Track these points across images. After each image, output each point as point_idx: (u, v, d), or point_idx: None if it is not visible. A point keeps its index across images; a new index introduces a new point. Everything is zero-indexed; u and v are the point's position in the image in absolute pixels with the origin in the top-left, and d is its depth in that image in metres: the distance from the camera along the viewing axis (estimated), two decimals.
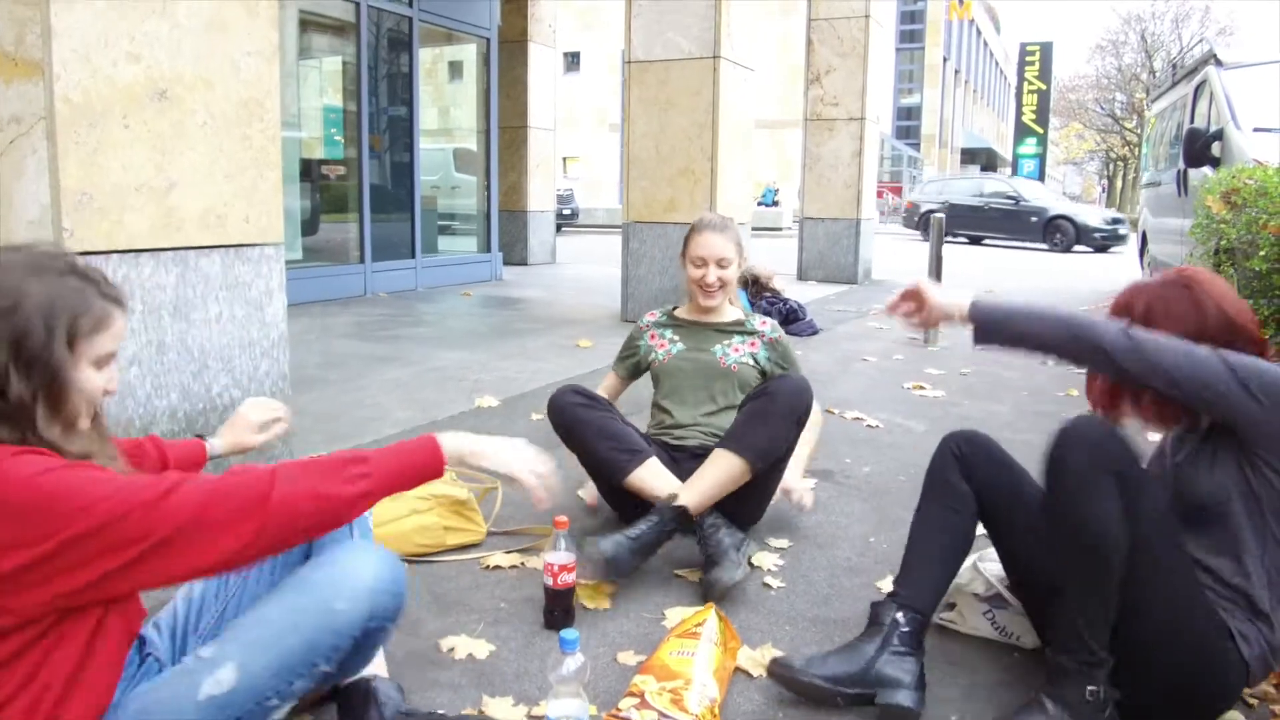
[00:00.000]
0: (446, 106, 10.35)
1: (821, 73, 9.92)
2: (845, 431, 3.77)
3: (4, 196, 2.40)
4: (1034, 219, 18.17)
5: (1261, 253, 3.45)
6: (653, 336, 2.79)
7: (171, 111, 2.52)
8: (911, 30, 37.15)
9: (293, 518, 1.22)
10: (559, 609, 1.95)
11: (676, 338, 2.75)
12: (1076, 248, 17.68)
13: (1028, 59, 34.20)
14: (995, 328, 1.68)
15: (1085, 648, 1.55)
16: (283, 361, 2.96)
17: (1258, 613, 1.56)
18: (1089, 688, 1.54)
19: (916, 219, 20.46)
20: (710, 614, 1.80)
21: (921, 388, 4.68)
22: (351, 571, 1.34)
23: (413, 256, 8.31)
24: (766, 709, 1.72)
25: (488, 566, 2.33)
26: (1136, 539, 1.53)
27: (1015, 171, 35.12)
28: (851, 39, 9.75)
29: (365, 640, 1.38)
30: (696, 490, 2.23)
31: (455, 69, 9.22)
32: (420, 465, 1.36)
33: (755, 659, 1.87)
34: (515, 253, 10.98)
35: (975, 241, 19.27)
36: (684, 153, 6.20)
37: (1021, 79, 33.99)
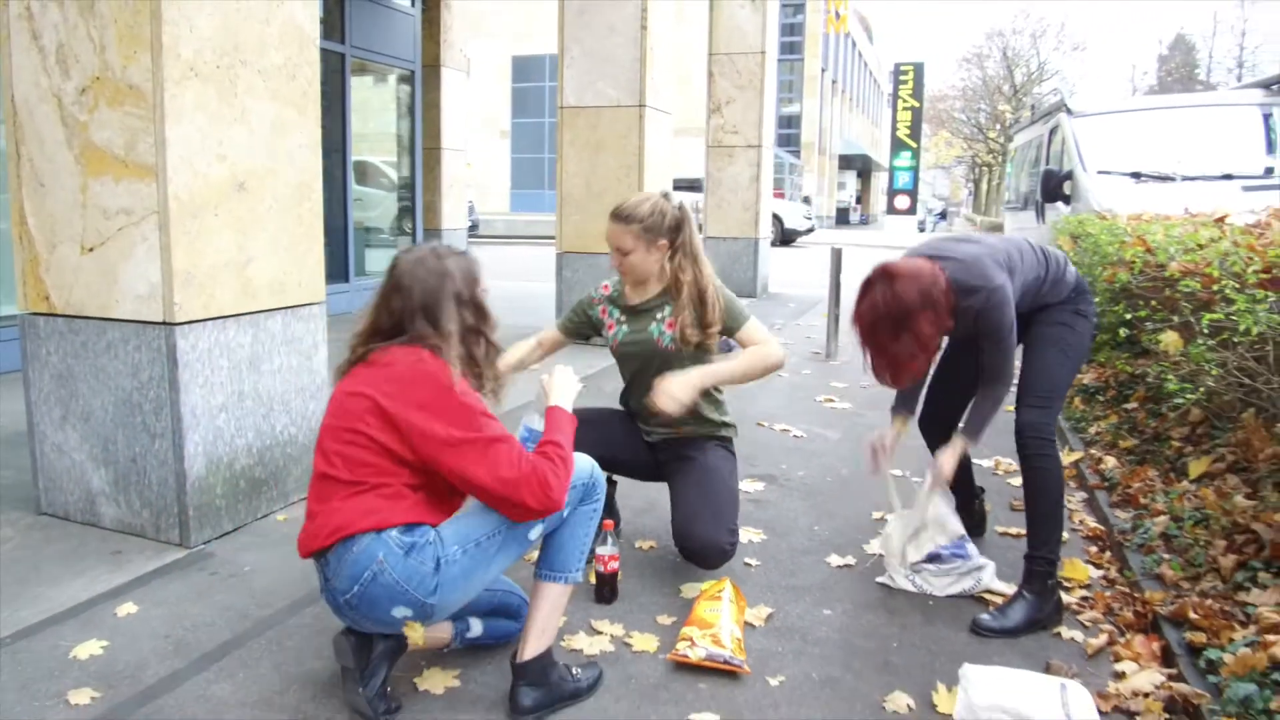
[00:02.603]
0: (375, 133, 10.72)
1: (722, 103, 10.75)
2: (778, 442, 4.53)
3: (110, 273, 2.90)
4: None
5: (1096, 298, 4.35)
6: (604, 311, 2.94)
7: (248, 200, 3.05)
8: (791, 42, 38.78)
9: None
10: (607, 589, 2.62)
11: (623, 319, 2.90)
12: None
13: (902, 78, 36.41)
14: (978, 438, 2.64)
15: (1049, 557, 2.55)
16: (324, 401, 3.50)
17: None
18: (1049, 581, 2.55)
19: None
20: (726, 584, 2.51)
21: (831, 400, 5.50)
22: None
23: (347, 280, 8.72)
24: (768, 642, 2.44)
25: None
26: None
27: (892, 182, 37.25)
28: (749, 72, 10.62)
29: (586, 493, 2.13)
30: None
31: (382, 98, 9.64)
32: (572, 430, 2.11)
33: (754, 615, 2.59)
34: None
35: None
36: (614, 190, 6.88)
37: (896, 97, 36.15)
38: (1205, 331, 2.73)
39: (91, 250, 2.91)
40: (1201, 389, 3.01)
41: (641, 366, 2.88)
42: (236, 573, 2.80)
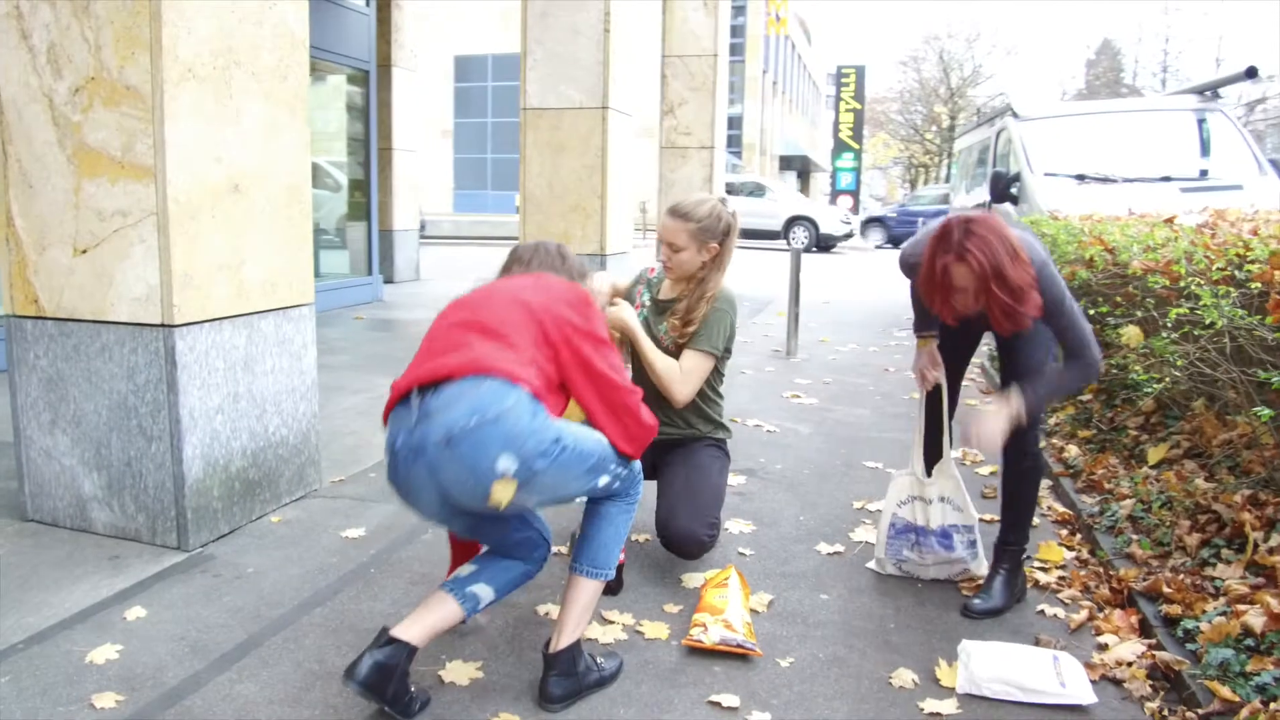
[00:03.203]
0: (327, 133, 10.61)
1: (675, 105, 10.88)
2: (753, 436, 4.64)
3: (105, 276, 2.88)
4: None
5: None
6: (639, 291, 3.08)
7: (242, 201, 3.05)
8: (733, 44, 39.19)
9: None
10: (614, 580, 2.69)
11: (647, 308, 3.01)
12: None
13: (843, 81, 37.08)
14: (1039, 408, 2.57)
15: (1019, 538, 2.70)
16: (314, 401, 3.52)
17: None
18: (1020, 558, 2.70)
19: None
20: (731, 571, 2.61)
21: (798, 396, 5.64)
22: None
23: None
24: (773, 626, 2.54)
25: None
26: None
27: (835, 183, 37.89)
28: (702, 75, 10.76)
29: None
30: None
31: (335, 98, 9.54)
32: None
33: (756, 601, 2.69)
34: (384, 270, 11.33)
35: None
36: (576, 192, 6.93)
37: (839, 99, 36.80)
38: (1169, 326, 2.91)
39: (85, 252, 2.89)
40: (1166, 379, 3.19)
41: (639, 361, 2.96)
42: (240, 574, 2.80)
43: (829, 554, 3.12)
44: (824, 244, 21.56)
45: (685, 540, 2.76)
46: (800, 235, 21.37)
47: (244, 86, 3.01)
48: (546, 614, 2.61)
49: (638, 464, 2.23)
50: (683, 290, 2.94)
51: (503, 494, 1.90)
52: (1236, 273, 2.72)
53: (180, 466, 2.90)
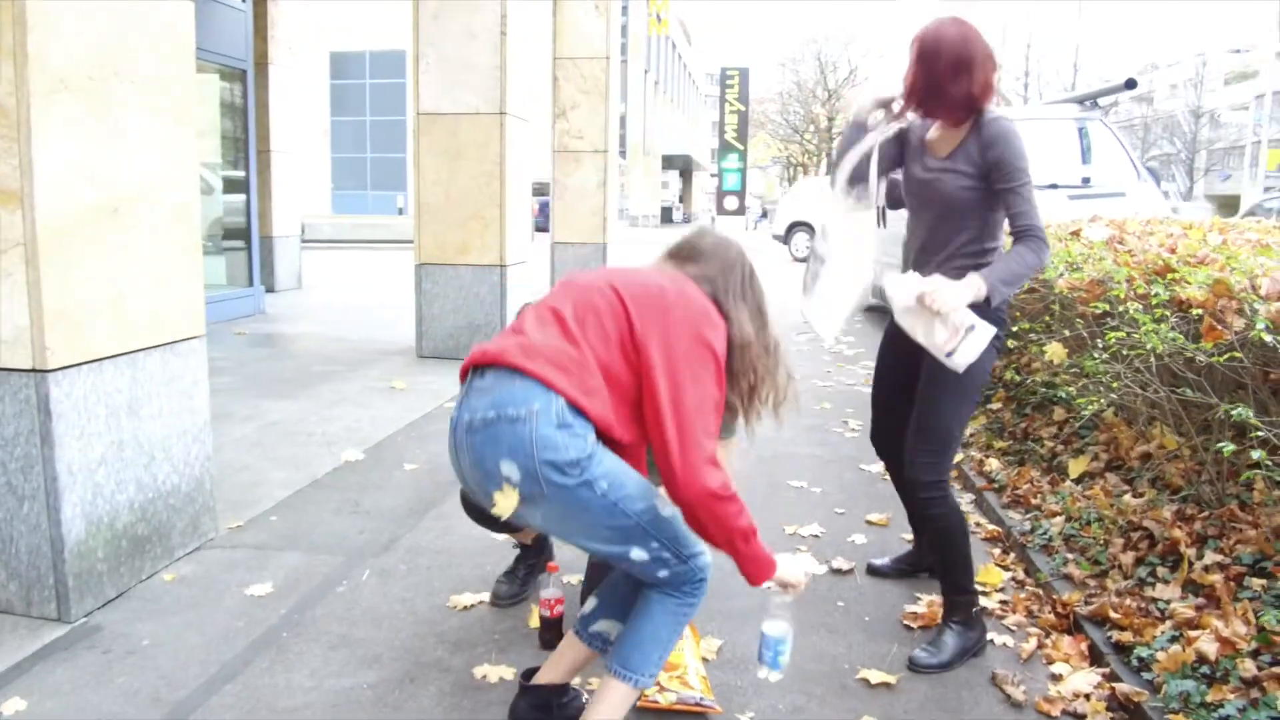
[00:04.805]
0: (204, 134, 9.98)
1: (568, 108, 10.69)
2: None
3: None
4: None
5: None
6: None
7: (124, 226, 2.73)
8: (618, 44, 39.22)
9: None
10: (552, 633, 2.52)
11: None
12: None
13: (728, 82, 37.50)
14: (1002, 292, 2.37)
15: (968, 589, 2.58)
16: (208, 443, 3.20)
17: None
18: (973, 610, 2.53)
19: None
20: None
21: None
22: None
23: None
24: (726, 675, 2.41)
25: None
26: None
27: (721, 184, 38.34)
28: (594, 77, 10.60)
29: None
30: None
31: (211, 99, 8.95)
32: (761, 571, 1.93)
33: (706, 648, 2.56)
34: (264, 280, 10.75)
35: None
36: (474, 199, 6.68)
37: (723, 100, 37.24)
38: (1102, 347, 2.93)
39: None
40: (1100, 399, 3.23)
41: None
42: (134, 649, 2.49)
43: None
44: None
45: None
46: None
47: (124, 98, 2.69)
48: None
49: (706, 560, 1.92)
50: None
51: (504, 503, 1.78)
52: (1162, 292, 2.75)
53: (58, 528, 2.57)
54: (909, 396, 2.64)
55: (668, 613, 1.90)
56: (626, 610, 1.99)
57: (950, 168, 2.49)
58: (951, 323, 2.32)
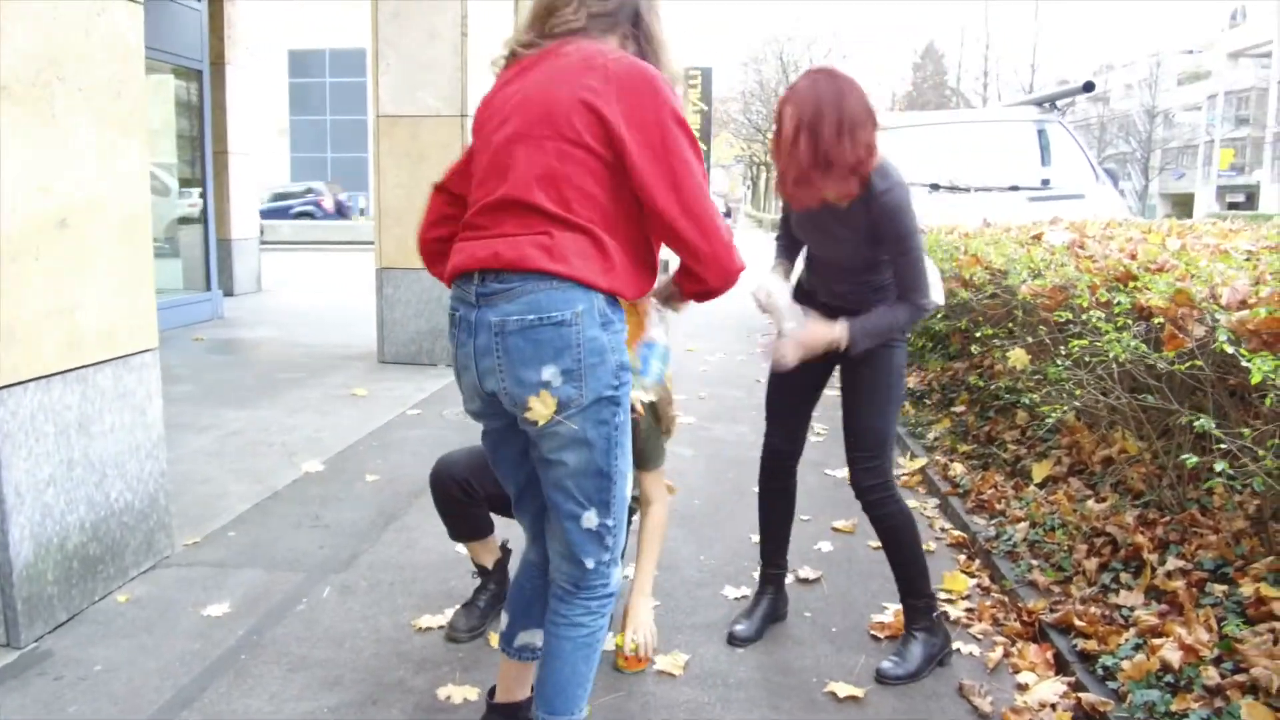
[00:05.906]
0: (159, 135, 9.78)
1: None
2: None
3: None
4: None
5: None
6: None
7: (72, 237, 2.65)
8: None
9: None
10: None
11: None
12: None
13: (690, 82, 37.50)
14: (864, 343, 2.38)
15: (925, 592, 2.57)
16: (162, 459, 3.12)
17: None
18: (934, 615, 2.56)
19: None
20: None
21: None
22: None
23: None
24: (694, 692, 2.39)
25: None
26: None
27: None
28: None
29: None
30: None
31: (166, 101, 8.78)
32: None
33: (672, 662, 2.53)
34: (222, 283, 10.57)
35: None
36: None
37: (686, 101, 37.37)
38: (1064, 355, 2.95)
39: None
40: (1064, 407, 3.25)
41: None
42: (86, 675, 2.42)
43: (736, 598, 3.00)
44: None
45: None
46: None
47: (70, 105, 2.61)
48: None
49: (620, 576, 1.88)
50: None
51: (540, 409, 1.68)
52: (1124, 300, 2.77)
53: (6, 551, 2.48)
54: (811, 404, 2.74)
55: (578, 649, 1.84)
56: (533, 611, 1.99)
57: (840, 219, 2.40)
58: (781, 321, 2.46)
